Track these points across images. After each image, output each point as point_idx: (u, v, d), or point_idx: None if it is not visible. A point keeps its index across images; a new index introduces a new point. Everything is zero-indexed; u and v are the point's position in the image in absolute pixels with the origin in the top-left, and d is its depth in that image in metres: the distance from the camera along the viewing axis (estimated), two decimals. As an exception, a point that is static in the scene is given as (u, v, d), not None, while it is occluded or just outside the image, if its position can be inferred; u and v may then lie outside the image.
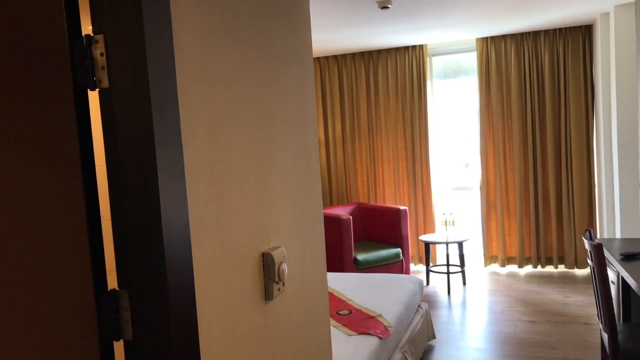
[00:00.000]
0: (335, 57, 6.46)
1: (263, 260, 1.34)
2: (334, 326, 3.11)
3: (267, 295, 1.34)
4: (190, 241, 1.05)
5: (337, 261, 5.24)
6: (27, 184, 1.02)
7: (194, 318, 1.05)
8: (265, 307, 1.34)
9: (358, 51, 6.31)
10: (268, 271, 1.34)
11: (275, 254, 1.35)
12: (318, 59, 6.53)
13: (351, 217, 5.58)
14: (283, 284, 1.40)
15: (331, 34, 5.25)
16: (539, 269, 6.04)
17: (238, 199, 1.24)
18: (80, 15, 0.99)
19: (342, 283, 4.02)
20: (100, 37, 0.98)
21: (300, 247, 1.54)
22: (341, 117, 6.55)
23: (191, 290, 1.04)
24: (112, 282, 1.04)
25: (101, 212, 1.04)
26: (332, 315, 3.29)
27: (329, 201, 6.70)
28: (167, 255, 0.98)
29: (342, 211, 5.96)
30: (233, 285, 1.21)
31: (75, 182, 0.99)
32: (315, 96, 1.66)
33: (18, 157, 1.02)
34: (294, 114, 1.53)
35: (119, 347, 1.04)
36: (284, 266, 1.37)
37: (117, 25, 0.96)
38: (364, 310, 3.33)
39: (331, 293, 3.75)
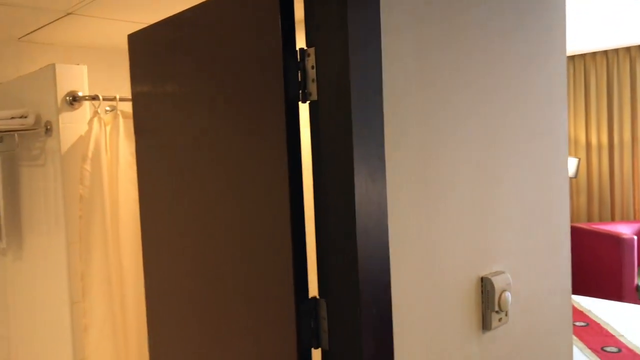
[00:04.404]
0: (628, 49, 5.55)
1: (482, 286, 1.20)
2: (596, 364, 2.67)
3: (485, 325, 1.21)
4: (388, 253, 0.99)
5: (614, 287, 4.51)
6: (238, 196, 1.12)
7: (390, 334, 1.00)
8: (482, 338, 1.21)
9: (658, 40, 5.31)
10: (487, 298, 1.20)
11: (497, 280, 1.20)
12: (605, 52, 5.71)
13: (636, 237, 4.72)
14: (506, 315, 1.24)
15: (620, 24, 4.53)
16: None
17: (454, 214, 1.14)
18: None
19: (614, 314, 3.44)
20: (311, 50, 1.00)
21: (532, 274, 1.34)
22: (631, 117, 5.60)
23: (388, 304, 0.99)
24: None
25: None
26: (596, 351, 2.84)
27: (609, 216, 5.81)
28: (361, 265, 0.95)
29: (626, 229, 5.10)
30: (442, 309, 1.12)
31: (283, 185, 1.03)
32: (566, 102, 1.42)
33: (236, 169, 1.12)
34: (533, 124, 1.34)
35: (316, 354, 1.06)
36: (507, 294, 1.21)
37: (327, 38, 0.97)
38: (637, 352, 2.78)
39: (598, 324, 3.24)
